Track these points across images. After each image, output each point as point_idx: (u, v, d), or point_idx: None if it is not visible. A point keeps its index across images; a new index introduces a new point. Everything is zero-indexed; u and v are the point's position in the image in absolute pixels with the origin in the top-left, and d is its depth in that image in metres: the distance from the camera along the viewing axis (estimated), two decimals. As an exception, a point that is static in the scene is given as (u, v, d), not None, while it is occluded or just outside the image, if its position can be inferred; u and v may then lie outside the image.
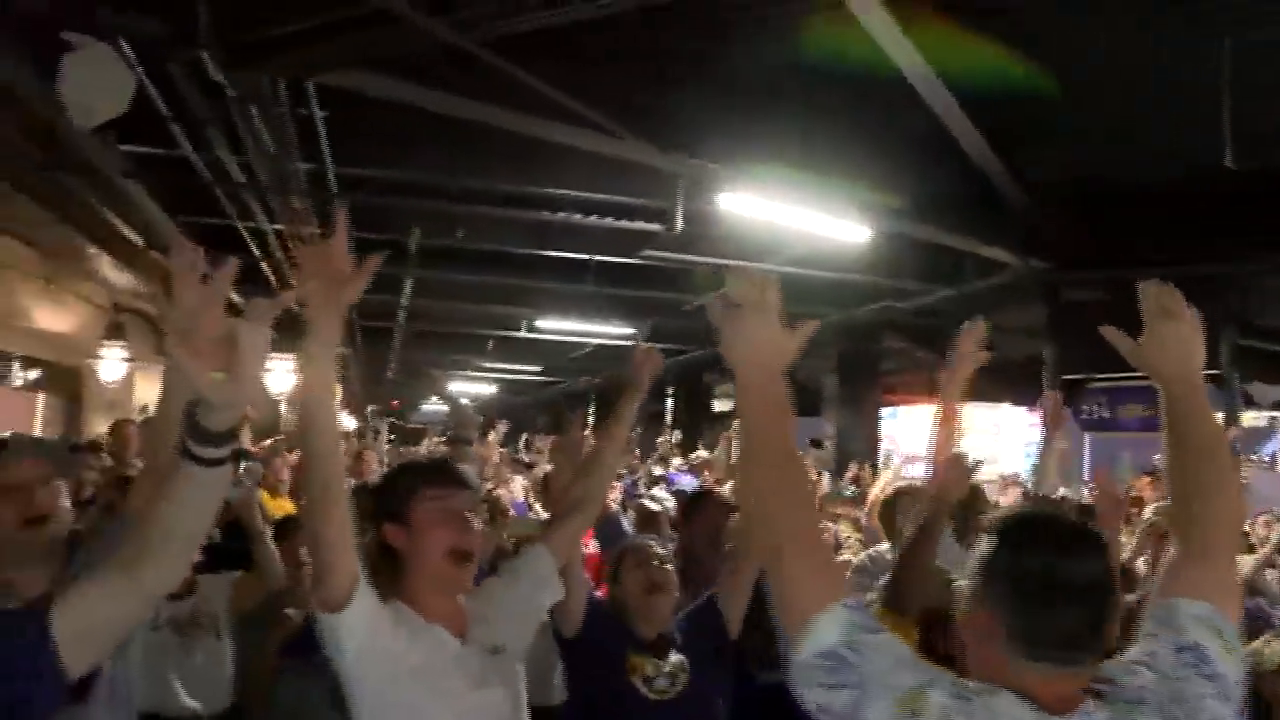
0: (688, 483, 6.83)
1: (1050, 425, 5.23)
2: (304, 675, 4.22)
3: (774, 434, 1.83)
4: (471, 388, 27.39)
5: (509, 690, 2.58)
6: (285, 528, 4.43)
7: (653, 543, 3.76)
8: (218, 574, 4.29)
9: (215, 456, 1.63)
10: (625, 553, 3.67)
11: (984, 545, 1.74)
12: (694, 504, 5.12)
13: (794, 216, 7.73)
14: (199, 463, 1.63)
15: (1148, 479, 8.83)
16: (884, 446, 14.32)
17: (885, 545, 5.47)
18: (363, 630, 2.27)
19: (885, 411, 15.41)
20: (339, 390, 23.57)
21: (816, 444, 8.29)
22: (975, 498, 5.11)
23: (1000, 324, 12.36)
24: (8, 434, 6.32)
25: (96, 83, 4.77)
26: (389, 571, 2.50)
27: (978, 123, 6.68)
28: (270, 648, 4.20)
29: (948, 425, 3.65)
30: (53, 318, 12.28)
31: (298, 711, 4.27)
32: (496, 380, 26.24)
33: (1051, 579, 1.65)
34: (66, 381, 15.57)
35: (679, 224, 7.90)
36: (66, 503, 2.75)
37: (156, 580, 1.73)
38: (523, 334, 15.38)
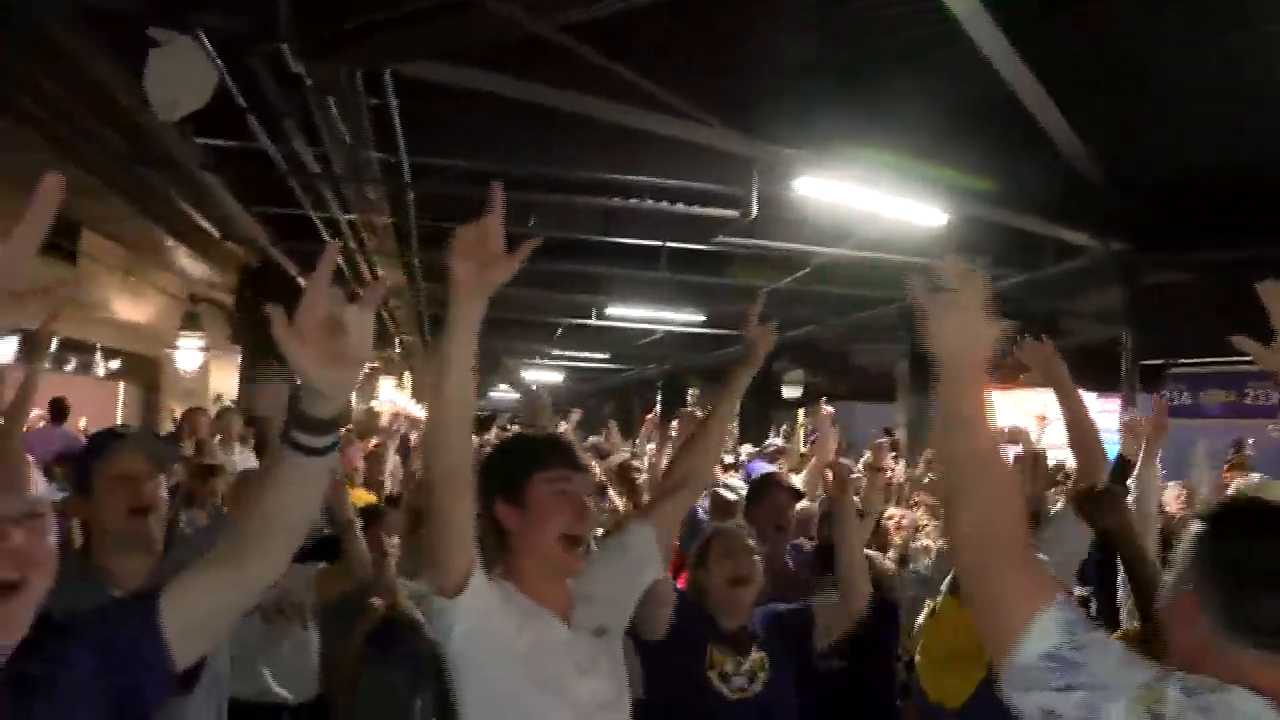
0: (765, 469, 6.78)
1: (1152, 434, 4.72)
2: (388, 664, 4.27)
3: (978, 428, 1.78)
4: (539, 375, 27.49)
5: (613, 674, 2.55)
6: (370, 517, 4.45)
7: (743, 530, 3.72)
8: (303, 563, 4.33)
9: (320, 445, 1.63)
10: (713, 538, 3.61)
11: (1196, 532, 1.72)
12: (758, 488, 5.10)
13: (870, 200, 7.66)
14: (304, 451, 1.62)
15: (1228, 467, 8.63)
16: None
17: None
18: (475, 613, 2.24)
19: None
20: (410, 380, 23.79)
21: (889, 433, 8.20)
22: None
23: (1076, 309, 12.24)
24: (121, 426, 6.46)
25: (180, 77, 4.83)
26: (495, 549, 2.48)
27: (1059, 104, 6.57)
28: (355, 637, 4.24)
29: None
30: (132, 309, 12.52)
31: (381, 700, 4.32)
32: (564, 368, 26.31)
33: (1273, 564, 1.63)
34: (145, 371, 15.89)
35: (754, 210, 7.86)
36: (165, 495, 2.82)
37: (261, 571, 1.73)
38: (592, 322, 15.37)
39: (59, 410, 11.67)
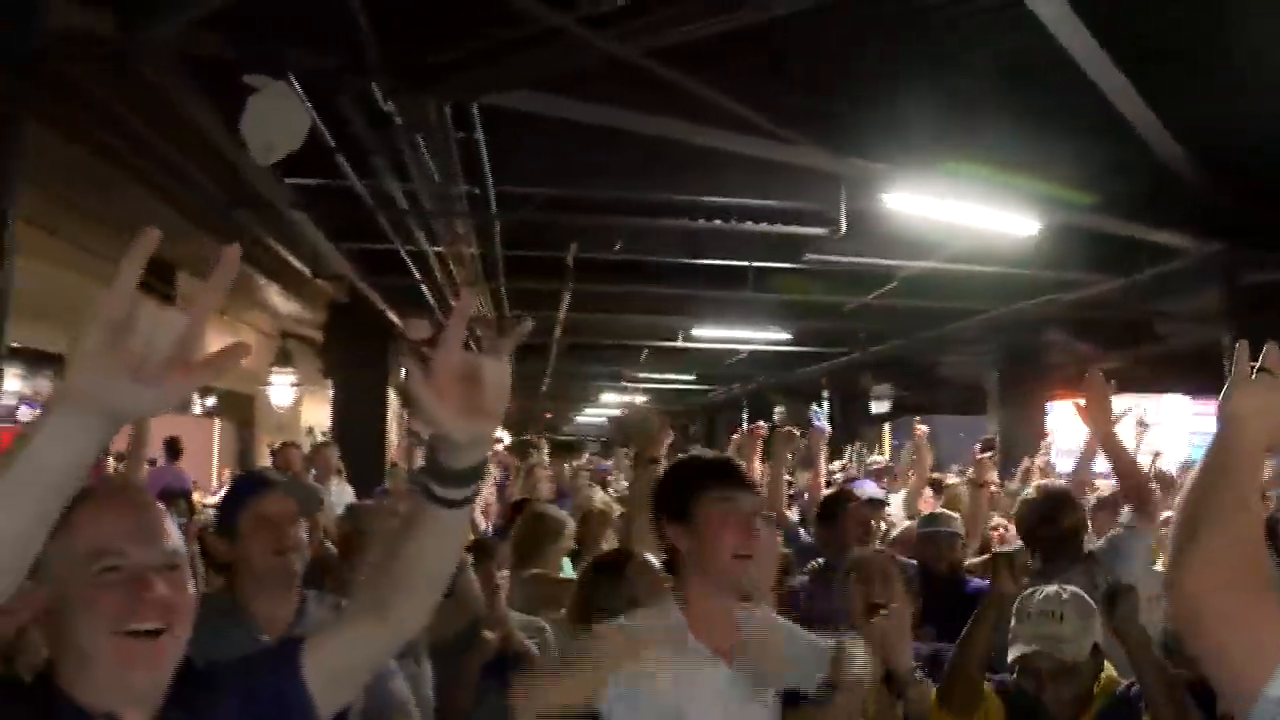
0: (871, 489, 6.69)
1: None
2: (504, 696, 4.25)
3: (1247, 488, 1.77)
4: (623, 399, 27.55)
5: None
6: (480, 552, 4.47)
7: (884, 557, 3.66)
8: None
9: (458, 498, 1.60)
10: (853, 567, 3.58)
11: None
12: (830, 507, 5.02)
13: (960, 212, 7.55)
14: (442, 504, 1.60)
15: None
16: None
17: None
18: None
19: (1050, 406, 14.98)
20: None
21: (989, 446, 8.06)
22: None
23: (1172, 311, 11.96)
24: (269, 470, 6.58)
25: (275, 121, 4.90)
26: (669, 571, 2.59)
27: (1153, 104, 6.42)
28: (469, 671, 4.23)
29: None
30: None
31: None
32: (648, 390, 26.33)
33: None
34: (240, 407, 16.22)
35: (844, 226, 7.79)
36: (305, 537, 2.89)
37: (404, 622, 1.72)
38: (678, 344, 15.37)
39: (173, 449, 11.96)
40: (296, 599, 2.89)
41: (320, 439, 13.87)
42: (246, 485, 3.00)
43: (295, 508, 2.91)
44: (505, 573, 4.51)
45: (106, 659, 1.56)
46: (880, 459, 9.78)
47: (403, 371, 1.49)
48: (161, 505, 1.77)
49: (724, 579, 2.50)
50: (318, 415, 16.32)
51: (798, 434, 5.24)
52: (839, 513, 5.02)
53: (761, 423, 6.66)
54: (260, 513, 2.84)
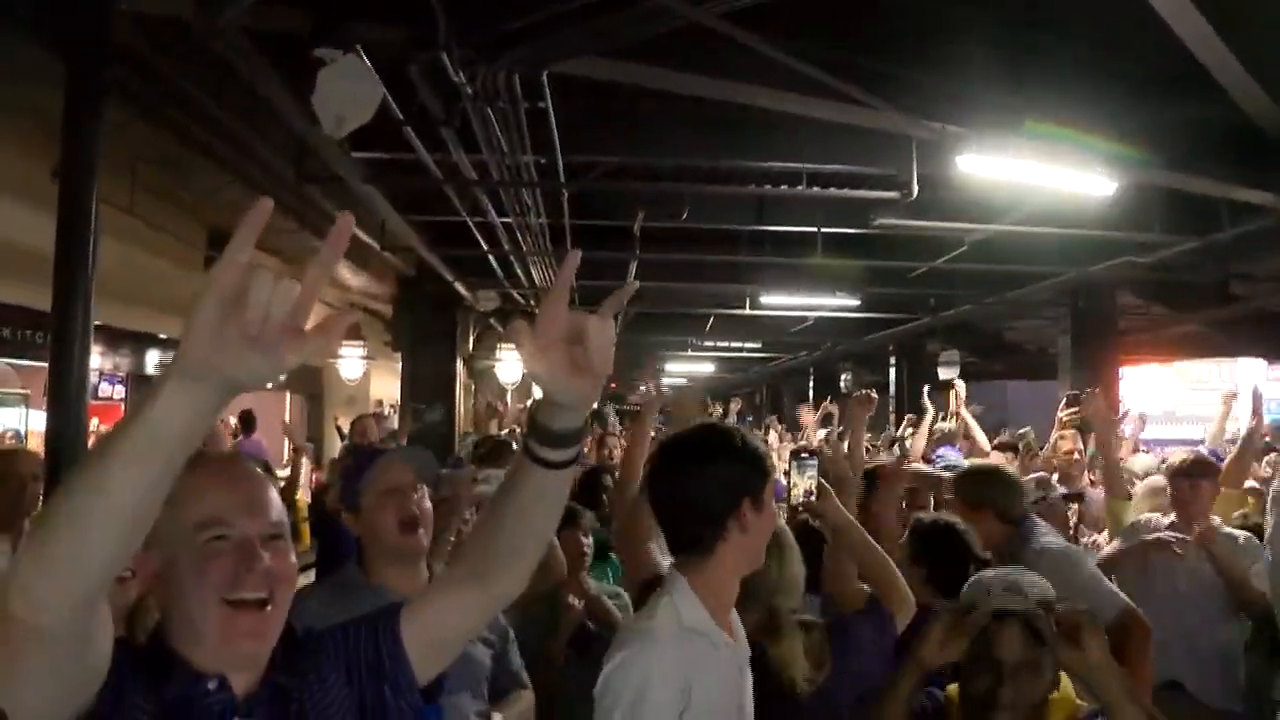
0: (954, 456, 6.59)
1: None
2: (588, 664, 4.27)
3: None
4: (690, 367, 27.50)
5: None
6: (566, 517, 4.48)
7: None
8: None
9: (561, 459, 1.60)
10: None
11: None
12: (869, 480, 4.93)
13: (1034, 173, 7.39)
14: (544, 465, 1.60)
15: None
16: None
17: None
18: None
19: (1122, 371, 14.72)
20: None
21: (1074, 401, 7.84)
22: None
23: (1251, 272, 11.65)
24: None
25: (345, 94, 4.90)
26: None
27: (1237, 53, 6.22)
28: (559, 639, 4.25)
29: None
30: (297, 321, 12.89)
31: (581, 701, 4.32)
32: (714, 359, 26.27)
33: None
34: (310, 380, 16.41)
35: (915, 190, 7.67)
36: (429, 506, 2.94)
37: (504, 587, 1.74)
38: (745, 311, 15.29)
39: (248, 422, 12.16)
40: (426, 571, 2.95)
41: (389, 412, 14.01)
42: (364, 458, 3.04)
43: (414, 476, 2.94)
44: (590, 540, 4.53)
45: (214, 626, 1.61)
46: (948, 425, 9.61)
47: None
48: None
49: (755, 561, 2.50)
50: (386, 388, 16.46)
51: (874, 397, 5.16)
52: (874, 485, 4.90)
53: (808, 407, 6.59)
54: (383, 485, 2.89)
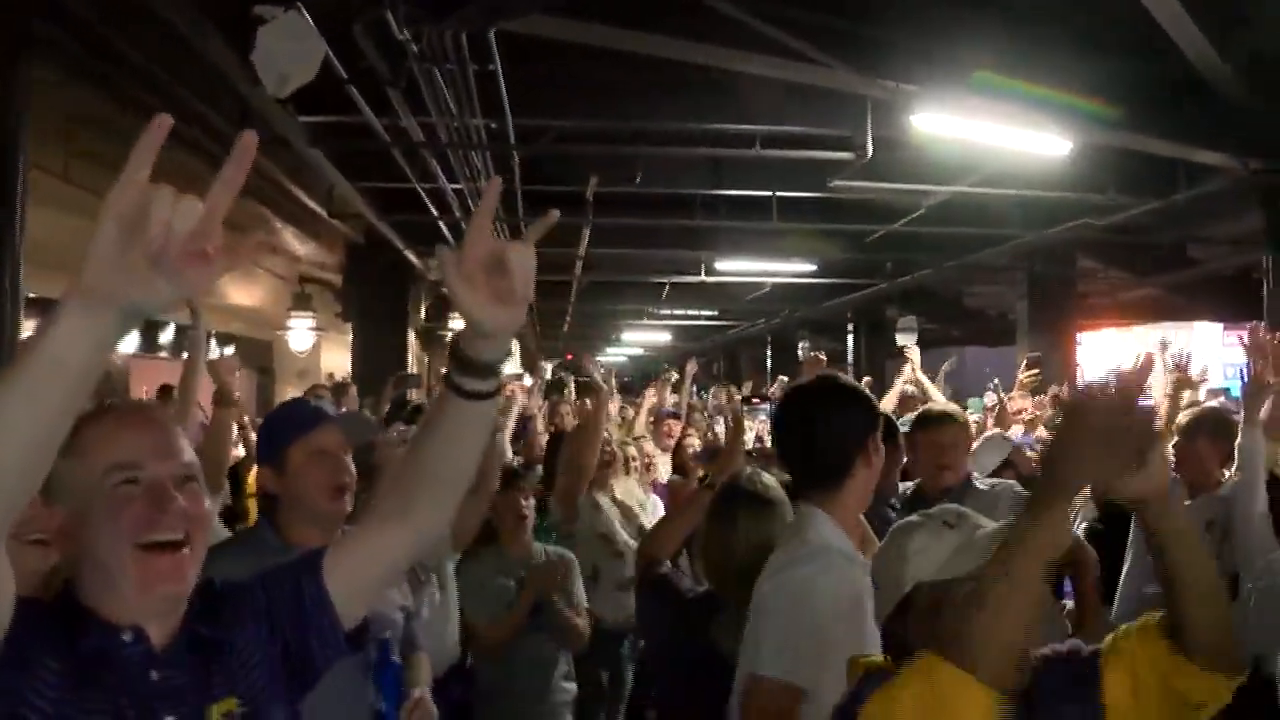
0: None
1: (1257, 360, 4.29)
2: (537, 630, 4.32)
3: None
4: (646, 336, 27.54)
5: None
6: (506, 479, 4.54)
7: None
8: None
9: (484, 389, 1.61)
10: None
11: None
12: None
13: (990, 133, 7.43)
14: (466, 395, 1.61)
15: None
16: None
17: None
18: None
19: (1080, 337, 14.86)
20: (519, 350, 23.97)
21: (1034, 364, 7.95)
22: None
23: (1208, 235, 11.77)
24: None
25: (287, 51, 4.84)
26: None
27: (1191, 11, 6.26)
28: (520, 609, 4.29)
29: None
30: (243, 292, 12.78)
31: (531, 667, 4.39)
32: (671, 327, 26.30)
33: None
34: (259, 353, 16.25)
35: (870, 151, 7.69)
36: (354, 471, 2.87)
37: (428, 523, 1.75)
38: (700, 278, 15.30)
39: (166, 396, 12.00)
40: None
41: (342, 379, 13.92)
42: (299, 416, 2.94)
43: (345, 441, 2.87)
44: (532, 503, 4.59)
45: (129, 572, 1.59)
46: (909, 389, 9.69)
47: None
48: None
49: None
50: (337, 360, 16.36)
51: (824, 359, 5.21)
52: None
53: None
54: (315, 445, 2.79)
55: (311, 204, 9.63)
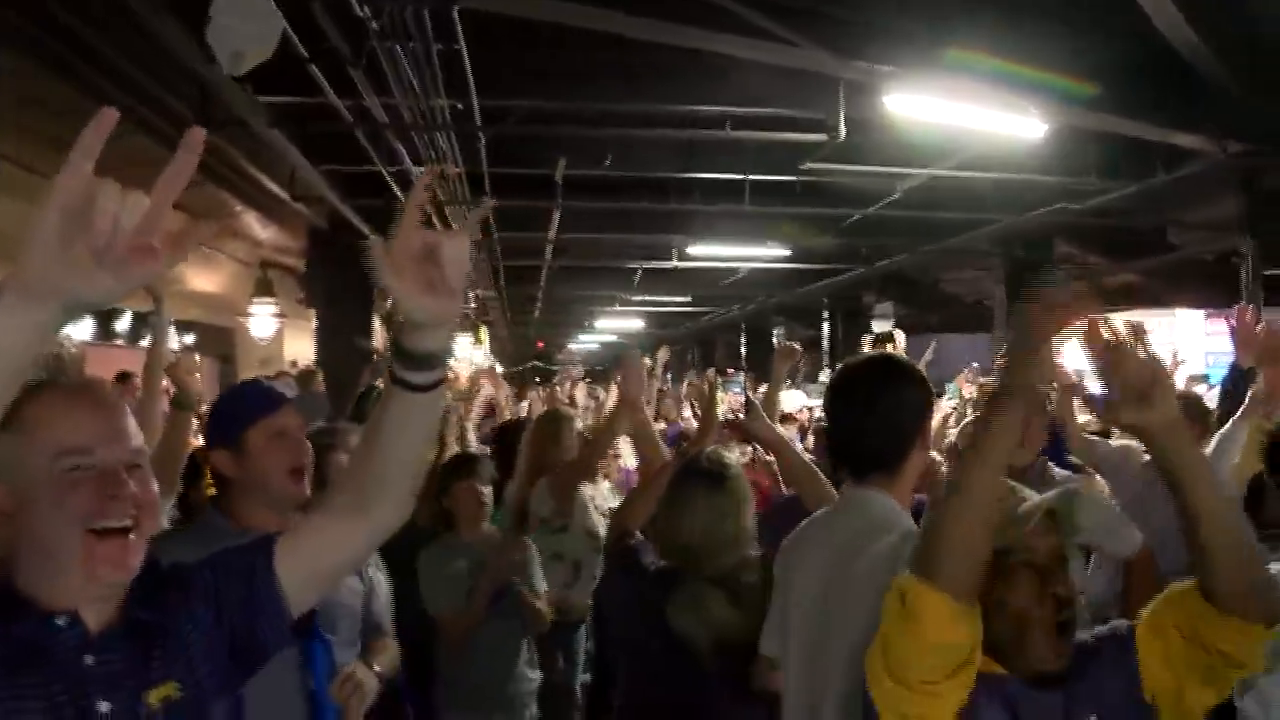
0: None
1: (1241, 343, 4.47)
2: (501, 616, 4.32)
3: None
4: (619, 323, 27.49)
5: None
6: (462, 466, 4.61)
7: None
8: None
9: (425, 381, 1.63)
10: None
11: None
12: None
13: (965, 115, 7.43)
14: (409, 388, 1.63)
15: None
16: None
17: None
18: None
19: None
20: (486, 335, 23.94)
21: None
22: None
23: (1187, 220, 11.83)
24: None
25: (244, 27, 4.80)
26: None
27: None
28: (480, 596, 4.30)
29: None
30: (204, 279, 12.68)
31: (494, 653, 4.40)
32: (644, 314, 26.28)
33: None
34: (220, 341, 16.14)
35: (843, 132, 7.68)
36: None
37: (385, 517, 1.76)
38: (673, 263, 15.29)
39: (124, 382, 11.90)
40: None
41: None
42: (259, 397, 2.90)
43: (300, 421, 2.87)
44: (489, 489, 4.60)
45: (75, 557, 1.59)
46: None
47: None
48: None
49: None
50: (301, 347, 16.27)
51: (798, 349, 5.22)
52: None
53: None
54: (275, 426, 2.77)
55: (273, 187, 9.54)
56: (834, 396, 2.79)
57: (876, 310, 18.14)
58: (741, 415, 3.39)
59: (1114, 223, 11.85)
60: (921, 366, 2.87)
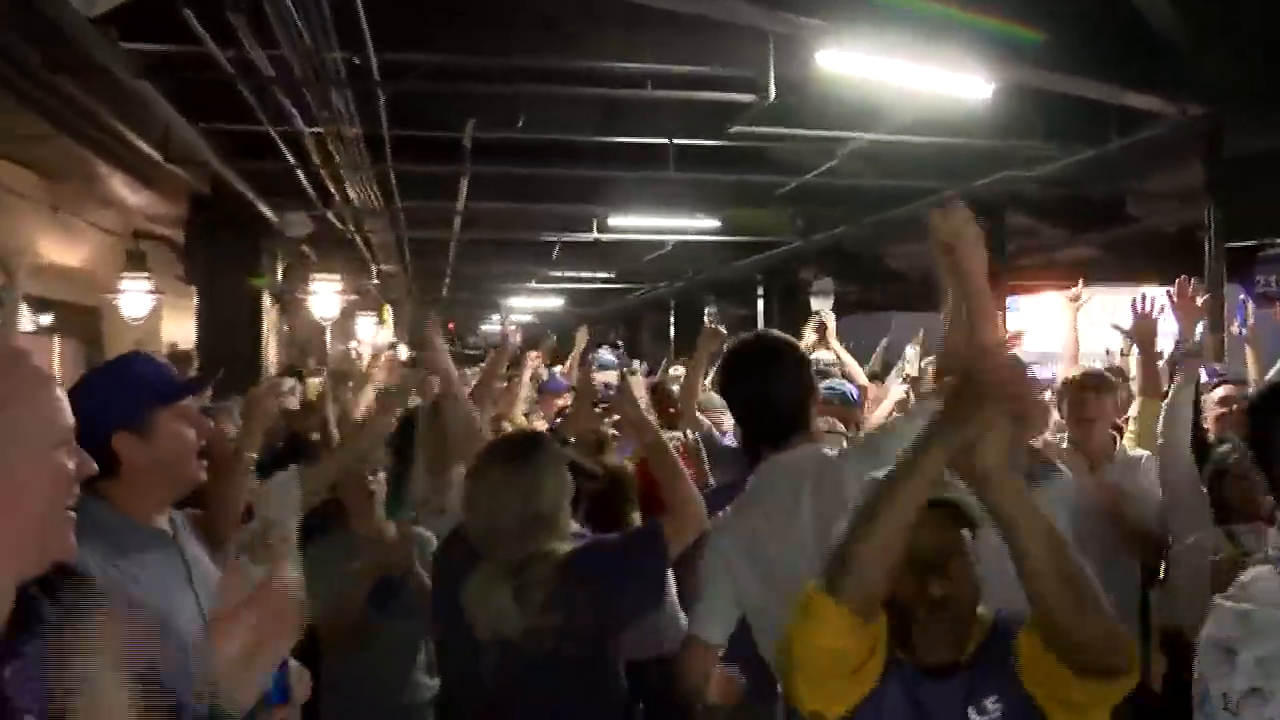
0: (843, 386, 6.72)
1: (1184, 316, 4.95)
2: (392, 616, 4.30)
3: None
4: (535, 302, 27.43)
5: None
6: None
7: None
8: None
9: None
10: None
11: None
12: None
13: (904, 73, 7.48)
14: None
15: None
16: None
17: None
18: None
19: (1009, 301, 15.11)
20: (390, 315, 23.76)
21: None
22: None
23: (1146, 189, 12.00)
24: None
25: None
26: None
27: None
28: (356, 594, 4.26)
29: None
30: (64, 251, 12.36)
31: (387, 655, 4.37)
32: (563, 291, 26.25)
33: None
34: (84, 322, 15.74)
35: (772, 92, 7.73)
36: None
37: None
38: (593, 235, 15.29)
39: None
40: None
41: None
42: (167, 378, 2.89)
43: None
44: (382, 476, 4.57)
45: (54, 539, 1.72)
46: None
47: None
48: None
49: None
50: (182, 329, 16.01)
51: (723, 331, 5.29)
52: None
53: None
54: (179, 409, 2.79)
55: (144, 147, 9.35)
56: (730, 376, 3.39)
57: (815, 287, 18.23)
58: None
59: (1069, 192, 12.02)
60: (878, 353, 3.15)
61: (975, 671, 2.17)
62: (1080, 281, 6.93)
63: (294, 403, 7.72)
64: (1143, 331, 5.20)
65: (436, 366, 4.49)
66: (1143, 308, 5.15)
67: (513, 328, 5.10)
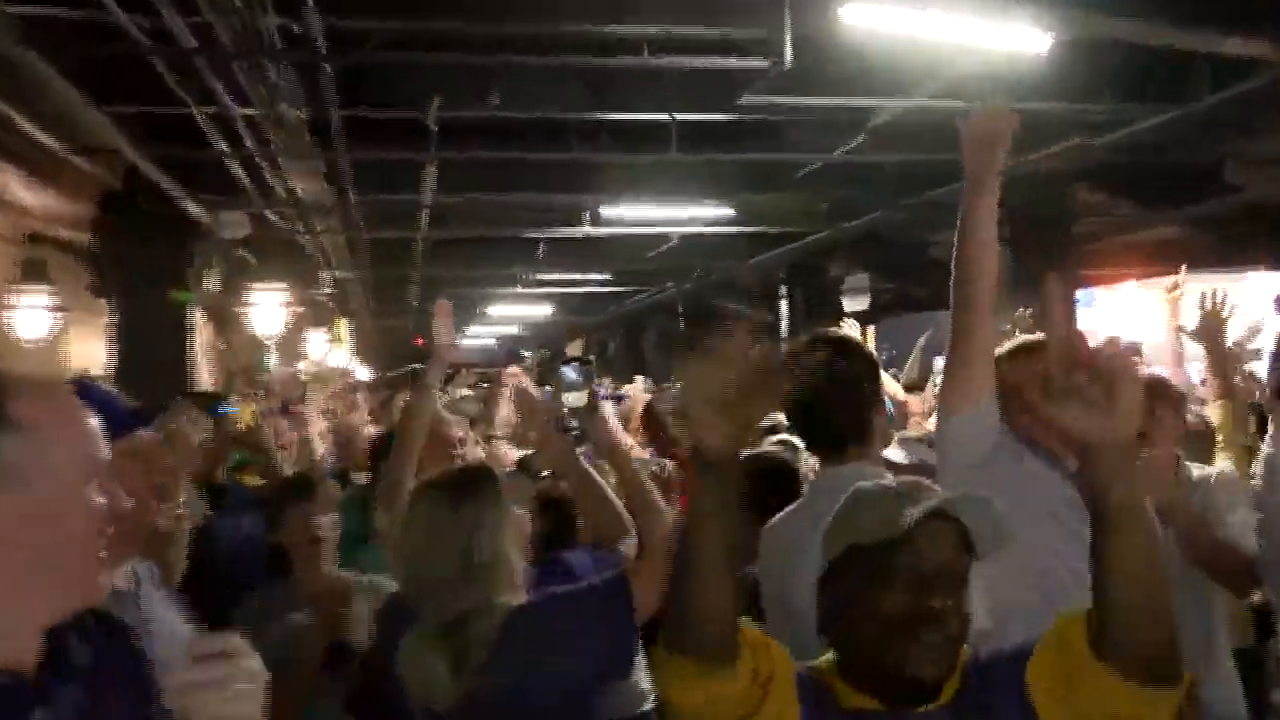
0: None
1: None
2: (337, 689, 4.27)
3: None
4: (520, 310, 27.37)
5: None
6: (294, 491, 4.69)
7: None
8: None
9: None
10: None
11: None
12: None
13: (944, 27, 7.40)
14: None
15: None
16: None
17: None
18: None
19: (1081, 294, 15.05)
20: (346, 331, 23.74)
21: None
22: None
23: (1247, 153, 11.87)
24: None
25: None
26: None
27: None
28: (306, 663, 4.22)
29: None
30: (-60, 260, 12.31)
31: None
32: (553, 296, 26.20)
33: None
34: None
35: (789, 55, 7.69)
36: None
37: None
38: (584, 229, 15.28)
39: None
40: None
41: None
42: (113, 409, 2.97)
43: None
44: (328, 518, 4.54)
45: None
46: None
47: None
48: None
49: None
50: (92, 350, 15.95)
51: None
52: None
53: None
54: (132, 444, 2.99)
55: (39, 135, 9.26)
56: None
57: (847, 284, 18.20)
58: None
59: (1149, 160, 11.88)
60: (915, 355, 3.22)
61: (959, 705, 2.27)
62: (1183, 269, 6.89)
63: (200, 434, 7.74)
64: (1210, 331, 5.37)
65: (445, 356, 4.61)
66: (1213, 303, 5.35)
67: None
